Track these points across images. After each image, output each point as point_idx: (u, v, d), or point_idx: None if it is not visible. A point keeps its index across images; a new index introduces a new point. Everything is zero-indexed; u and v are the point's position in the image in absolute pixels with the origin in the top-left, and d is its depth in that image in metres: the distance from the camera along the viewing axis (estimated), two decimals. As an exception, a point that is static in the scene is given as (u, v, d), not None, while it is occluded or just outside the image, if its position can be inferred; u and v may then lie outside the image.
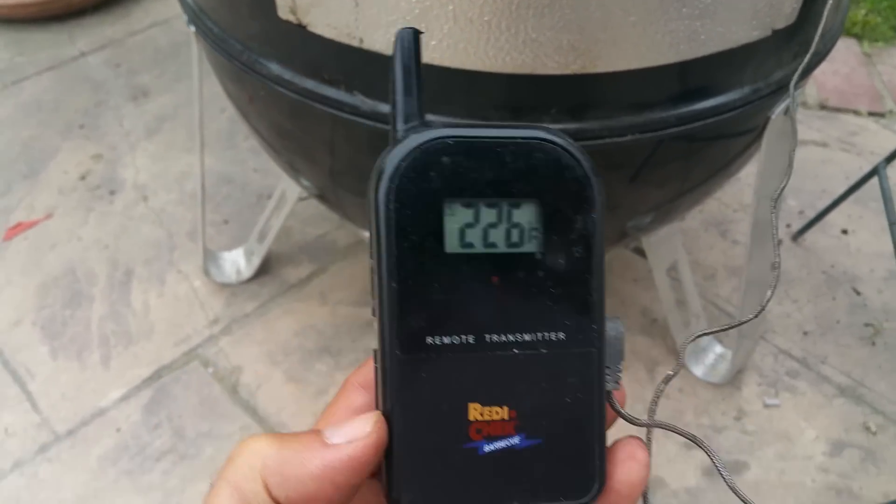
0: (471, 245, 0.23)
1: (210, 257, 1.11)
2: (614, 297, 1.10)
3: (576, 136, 0.59)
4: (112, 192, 1.25)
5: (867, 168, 1.28)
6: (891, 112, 1.41)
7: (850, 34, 1.56)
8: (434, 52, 0.57)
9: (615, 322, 0.25)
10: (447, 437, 0.23)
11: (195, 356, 1.02)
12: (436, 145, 0.22)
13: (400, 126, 0.23)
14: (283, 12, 0.61)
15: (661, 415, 0.92)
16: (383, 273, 0.22)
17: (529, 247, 0.23)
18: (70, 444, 0.93)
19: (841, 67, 1.49)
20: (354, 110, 0.64)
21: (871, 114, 1.40)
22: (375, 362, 0.23)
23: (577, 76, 0.59)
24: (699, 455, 0.93)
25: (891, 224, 0.97)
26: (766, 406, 0.98)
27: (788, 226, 1.20)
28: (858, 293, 1.11)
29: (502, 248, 0.23)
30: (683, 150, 0.72)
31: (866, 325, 1.07)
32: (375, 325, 0.23)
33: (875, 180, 1.04)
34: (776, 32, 0.64)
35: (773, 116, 0.73)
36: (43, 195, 1.25)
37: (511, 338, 0.23)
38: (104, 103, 1.42)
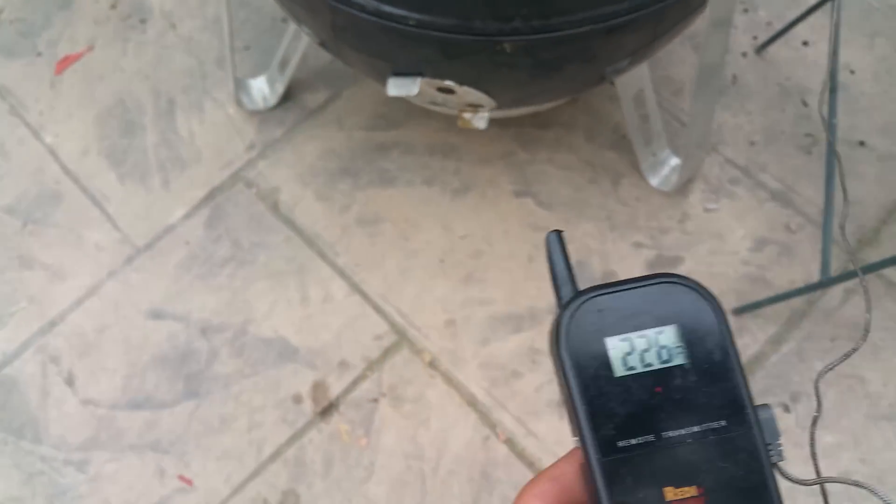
0: (633, 368, 0.30)
1: (239, 86, 1.27)
2: (590, 114, 1.26)
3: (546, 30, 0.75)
4: (143, 21, 1.37)
5: (841, -28, 1.35)
6: None
7: None
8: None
9: (766, 408, 0.30)
10: None
11: (239, 178, 1.23)
12: (591, 303, 0.30)
13: (564, 295, 0.32)
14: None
15: (617, 221, 1.15)
16: (575, 400, 0.30)
17: (678, 360, 0.30)
18: (150, 255, 1.18)
19: None
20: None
21: None
22: (584, 474, 0.30)
23: None
24: (646, 252, 1.16)
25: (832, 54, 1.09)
26: (706, 210, 1.19)
27: (755, 38, 1.32)
28: (806, 105, 1.26)
29: (657, 365, 0.30)
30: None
31: (807, 135, 1.24)
32: (575, 441, 0.30)
33: None
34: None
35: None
36: (81, 26, 1.37)
37: (683, 431, 0.29)
38: (118, -80, 1.47)
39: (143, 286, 1.16)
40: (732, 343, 0.30)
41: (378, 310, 1.14)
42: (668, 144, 1.20)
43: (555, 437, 1.05)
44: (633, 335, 0.30)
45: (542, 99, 1.09)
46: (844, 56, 1.29)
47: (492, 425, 1.06)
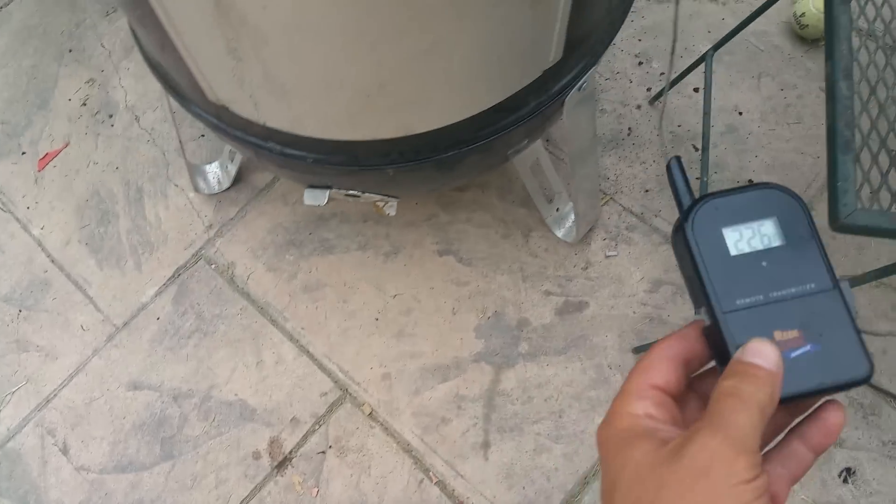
0: (742, 247, 0.39)
1: (195, 172, 1.38)
2: (502, 175, 1.36)
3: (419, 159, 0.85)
4: (110, 116, 1.49)
5: (730, 19, 1.44)
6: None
7: None
8: (318, 130, 0.81)
9: (845, 281, 0.38)
10: None
11: (200, 256, 1.35)
12: (709, 204, 0.40)
13: (685, 202, 0.42)
14: (211, 97, 0.84)
15: (529, 272, 1.24)
16: (702, 274, 0.38)
17: (776, 241, 0.39)
18: (127, 332, 1.30)
19: None
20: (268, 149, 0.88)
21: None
22: (708, 332, 0.38)
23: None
24: (555, 299, 1.27)
25: (705, 115, 1.18)
26: (607, 257, 1.29)
27: (648, 89, 1.40)
28: (696, 149, 1.35)
29: (761, 247, 0.39)
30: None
31: (697, 178, 1.33)
32: (698, 312, 0.39)
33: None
34: (545, 71, 0.84)
35: (568, 99, 0.94)
36: (57, 124, 1.49)
37: (783, 292, 0.38)
38: (83, 23, 1.59)
39: (122, 361, 1.29)
40: (815, 230, 0.39)
41: (323, 368, 1.25)
42: (568, 199, 1.30)
43: (480, 477, 1.16)
44: (742, 226, 0.39)
45: (443, 189, 1.19)
46: (733, 98, 1.37)
47: (425, 469, 1.18)
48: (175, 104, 1.00)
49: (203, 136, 1.44)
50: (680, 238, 0.40)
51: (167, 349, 1.28)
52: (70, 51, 1.56)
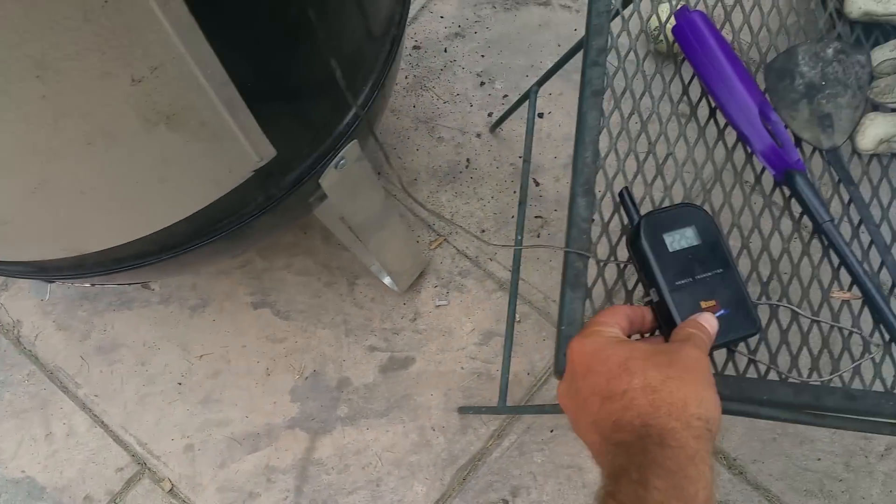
0: (675, 246, 0.56)
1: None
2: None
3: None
4: None
5: (583, 29, 1.28)
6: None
7: None
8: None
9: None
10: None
11: (-16, 313, 1.19)
12: (651, 217, 0.57)
13: (634, 217, 0.59)
14: None
15: (353, 325, 1.10)
16: (653, 265, 0.55)
17: (696, 241, 0.56)
18: None
19: None
20: None
21: (603, -46, 1.32)
22: (656, 307, 0.55)
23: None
24: (379, 355, 1.14)
25: (524, 161, 1.04)
26: (437, 306, 1.16)
27: (490, 114, 1.25)
28: (538, 184, 1.21)
29: (686, 245, 0.56)
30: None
31: (537, 216, 1.20)
32: (646, 298, 0.56)
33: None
34: (259, 170, 0.69)
35: (323, 181, 0.79)
36: None
37: (705, 275, 0.55)
38: None
39: None
40: (721, 233, 0.58)
41: (119, 440, 1.12)
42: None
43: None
44: (674, 232, 0.56)
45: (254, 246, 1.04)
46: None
47: (224, 553, 1.07)
48: None
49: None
50: (637, 243, 0.57)
51: (-56, 422, 1.14)
52: None
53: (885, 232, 0.62)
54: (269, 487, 1.09)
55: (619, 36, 0.69)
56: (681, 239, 0.56)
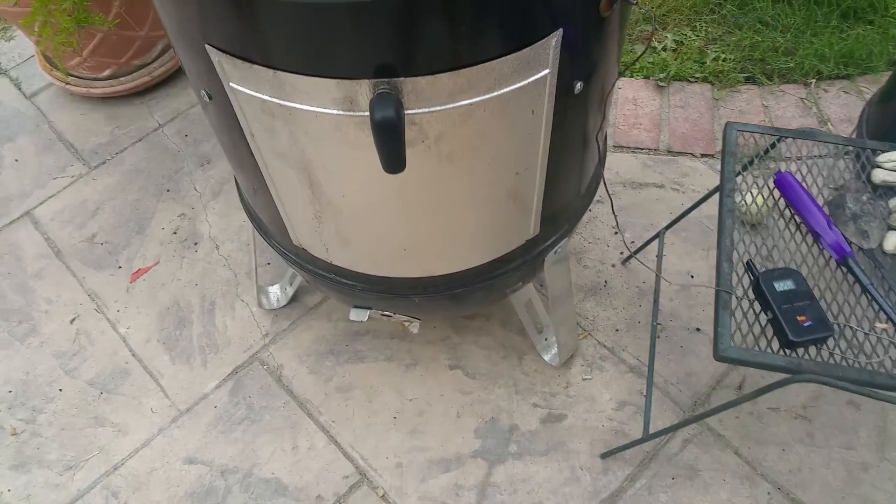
0: (780, 288, 1.04)
1: (261, 291, 1.71)
2: (503, 308, 1.67)
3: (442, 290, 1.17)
4: (196, 244, 1.84)
5: (688, 204, 1.79)
6: (719, 152, 1.87)
7: (705, 80, 1.98)
8: (368, 269, 1.14)
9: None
10: None
11: (256, 359, 1.65)
12: (766, 273, 1.07)
13: (756, 273, 1.04)
14: (295, 242, 1.17)
15: (521, 387, 1.53)
16: (769, 298, 1.03)
17: (792, 286, 1.04)
18: (188, 416, 1.58)
19: (692, 113, 1.93)
20: (331, 279, 1.21)
21: (703, 155, 1.87)
22: (770, 321, 1.02)
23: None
24: (540, 411, 1.54)
25: (657, 277, 1.50)
26: (584, 379, 1.57)
27: (622, 253, 1.73)
28: (655, 301, 1.66)
29: (787, 288, 1.05)
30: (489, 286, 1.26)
31: (658, 323, 1.63)
32: (769, 314, 1.01)
33: (687, 216, 1.52)
34: (528, 241, 1.17)
35: (546, 259, 1.26)
36: (150, 246, 1.84)
37: (798, 304, 1.01)
38: (181, 170, 1.98)
39: (182, 440, 1.55)
40: (806, 283, 1.05)
41: (347, 455, 1.51)
42: (554, 332, 1.60)
43: (468, 550, 1.40)
44: (781, 280, 1.02)
45: (456, 315, 1.50)
46: (686, 264, 1.70)
47: (424, 541, 1.41)
48: (258, 240, 1.34)
49: (269, 263, 1.78)
50: (759, 286, 1.03)
51: (220, 432, 1.55)
52: (168, 190, 1.94)
53: (905, 299, 1.05)
54: (457, 500, 1.45)
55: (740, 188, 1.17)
56: (784, 284, 1.01)
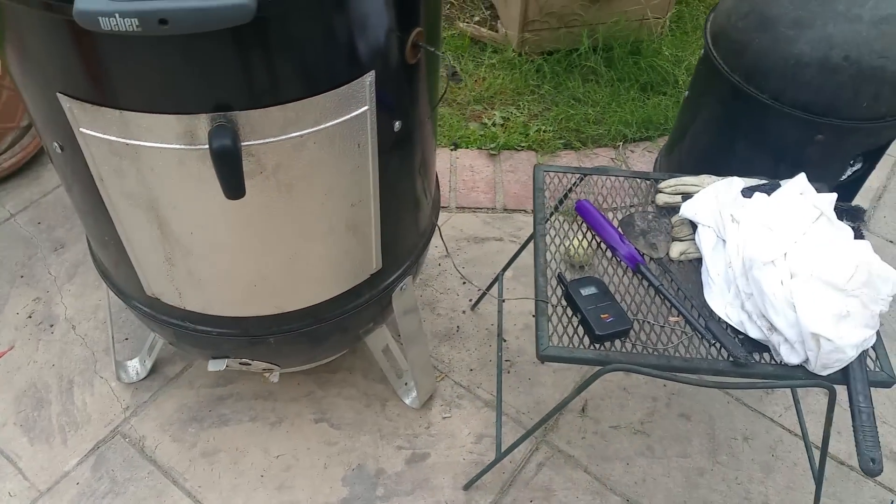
0: (586, 293, 1.20)
1: (119, 366, 1.69)
2: (364, 359, 1.74)
3: (290, 330, 1.23)
4: (51, 325, 1.80)
5: (525, 254, 1.96)
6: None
7: (530, 148, 2.23)
8: (221, 310, 1.19)
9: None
10: None
11: (117, 432, 1.61)
12: (573, 282, 1.23)
13: (566, 282, 1.21)
14: (148, 291, 1.21)
15: (385, 432, 1.58)
16: (577, 302, 1.19)
17: (595, 290, 1.21)
18: (49, 497, 1.51)
19: (521, 176, 2.16)
20: (185, 328, 1.25)
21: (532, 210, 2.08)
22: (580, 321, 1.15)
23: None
24: (405, 452, 1.60)
25: (498, 337, 1.64)
26: (444, 418, 1.66)
27: (470, 300, 1.87)
28: (505, 340, 1.80)
29: (590, 292, 1.20)
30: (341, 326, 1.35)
31: (507, 360, 1.76)
32: (577, 315, 1.18)
33: (526, 262, 1.68)
34: (372, 275, 1.28)
35: (393, 295, 1.37)
36: (4, 332, 1.79)
37: (601, 304, 1.18)
38: (34, 256, 1.95)
39: (40, 521, 1.48)
40: (607, 288, 1.22)
41: (216, 516, 1.50)
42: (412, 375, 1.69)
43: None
44: (585, 287, 1.19)
45: (315, 360, 1.57)
46: (527, 305, 1.86)
47: (295, 589, 1.40)
48: (115, 305, 1.37)
49: (127, 338, 1.77)
50: (567, 292, 1.19)
51: (82, 509, 1.49)
52: (21, 276, 1.90)
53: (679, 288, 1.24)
54: (327, 546, 1.46)
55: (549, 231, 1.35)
56: (589, 290, 1.16)
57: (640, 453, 1.63)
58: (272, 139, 0.94)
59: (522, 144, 2.22)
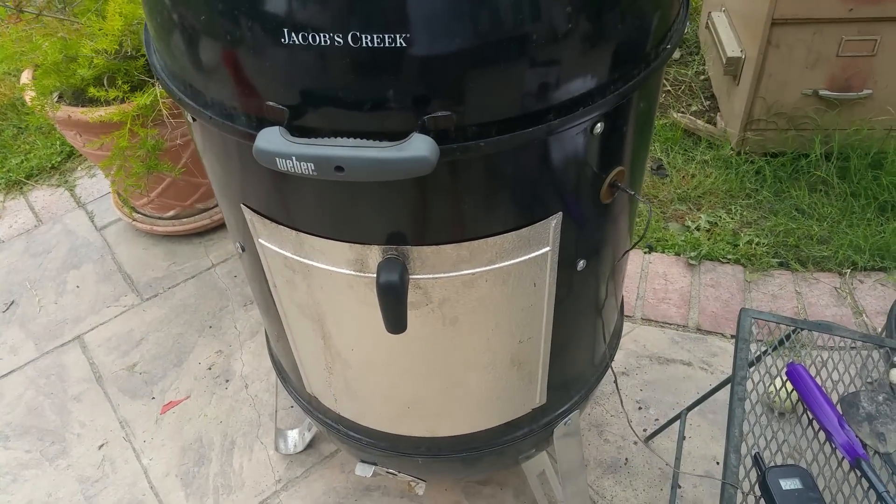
0: (787, 486, 1.00)
1: (279, 435, 1.73)
2: (518, 476, 1.63)
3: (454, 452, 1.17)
4: (227, 381, 1.90)
5: (714, 384, 1.76)
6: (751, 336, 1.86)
7: (737, 262, 2.01)
8: (373, 423, 1.16)
9: None
10: None
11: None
12: (773, 469, 1.01)
13: (763, 468, 1.02)
14: (308, 389, 1.21)
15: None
16: (775, 498, 0.99)
17: (800, 486, 1.00)
18: (194, 557, 1.56)
19: (723, 293, 1.95)
20: (337, 430, 1.23)
21: (732, 336, 1.86)
22: None
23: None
24: None
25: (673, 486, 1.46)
26: (596, 564, 1.49)
27: (644, 430, 1.70)
28: (680, 486, 1.60)
29: (793, 487, 1.00)
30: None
31: (677, 509, 1.56)
32: None
33: (716, 396, 1.50)
34: (534, 409, 1.18)
35: (556, 430, 1.26)
36: (185, 380, 1.91)
37: None
38: (225, 308, 2.08)
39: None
40: (815, 483, 1.01)
41: None
42: None
43: None
44: (788, 479, 0.99)
45: (464, 479, 1.48)
46: (711, 448, 1.65)
47: None
48: (280, 385, 1.39)
49: (292, 406, 1.81)
50: (764, 483, 1.00)
51: (220, 578, 1.52)
52: (210, 327, 2.03)
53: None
54: None
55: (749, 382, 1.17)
56: (791, 483, 0.97)
57: None
58: (442, 275, 0.88)
59: (729, 256, 2.01)
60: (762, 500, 1.01)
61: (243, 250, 1.04)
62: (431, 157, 0.68)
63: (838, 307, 1.90)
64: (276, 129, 0.71)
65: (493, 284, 0.91)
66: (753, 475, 1.04)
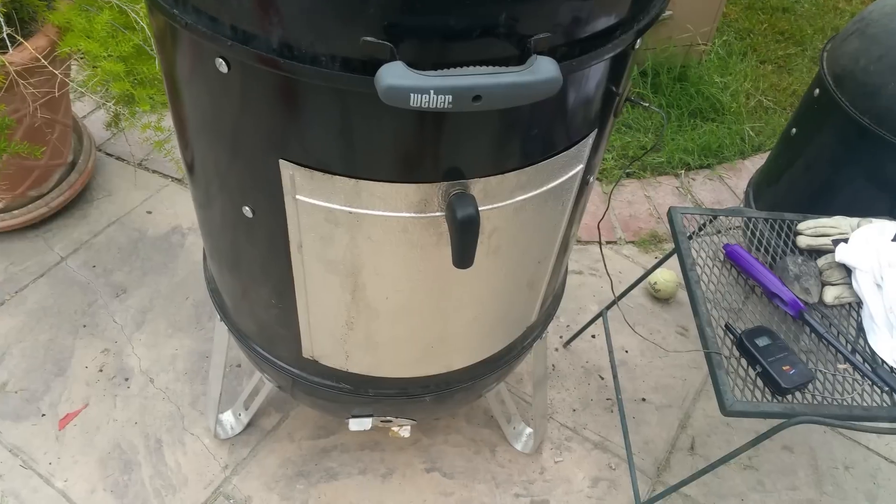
0: (761, 343, 1.18)
1: (214, 420, 1.60)
2: (469, 406, 1.69)
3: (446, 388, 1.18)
4: (126, 379, 1.69)
5: (606, 287, 1.94)
6: (620, 239, 2.09)
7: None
8: (389, 371, 1.13)
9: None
10: None
11: (219, 493, 1.52)
12: (746, 332, 1.20)
13: (737, 333, 1.15)
14: (306, 354, 1.14)
15: (500, 479, 1.54)
16: (755, 354, 1.15)
17: (769, 341, 1.20)
18: (159, 568, 1.42)
19: (590, 207, 2.15)
20: (339, 389, 1.19)
21: (608, 242, 2.07)
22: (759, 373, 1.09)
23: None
24: (523, 499, 1.56)
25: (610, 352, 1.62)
26: (556, 462, 1.62)
27: (560, 337, 1.85)
28: (602, 378, 1.78)
29: (765, 343, 1.18)
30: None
31: (607, 399, 1.74)
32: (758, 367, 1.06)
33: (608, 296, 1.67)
34: (527, 328, 1.24)
35: (536, 345, 1.33)
36: (75, 388, 1.67)
37: (780, 355, 1.16)
38: (94, 303, 1.83)
39: None
40: (780, 336, 1.19)
41: (341, 579, 1.43)
42: (522, 419, 1.65)
43: None
44: (760, 337, 1.17)
45: (444, 414, 1.51)
46: (619, 341, 1.84)
47: None
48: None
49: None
50: (743, 343, 1.17)
51: (196, 580, 1.40)
52: (84, 326, 1.79)
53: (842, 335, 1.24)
54: None
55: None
56: (763, 340, 1.15)
57: (752, 488, 1.63)
58: (500, 204, 0.89)
59: (588, 174, 2.21)
60: (742, 359, 1.18)
61: (253, 214, 0.95)
62: (560, 78, 0.69)
63: (682, 202, 2.19)
64: (398, 63, 0.67)
65: (535, 208, 0.94)
66: (730, 343, 1.21)
